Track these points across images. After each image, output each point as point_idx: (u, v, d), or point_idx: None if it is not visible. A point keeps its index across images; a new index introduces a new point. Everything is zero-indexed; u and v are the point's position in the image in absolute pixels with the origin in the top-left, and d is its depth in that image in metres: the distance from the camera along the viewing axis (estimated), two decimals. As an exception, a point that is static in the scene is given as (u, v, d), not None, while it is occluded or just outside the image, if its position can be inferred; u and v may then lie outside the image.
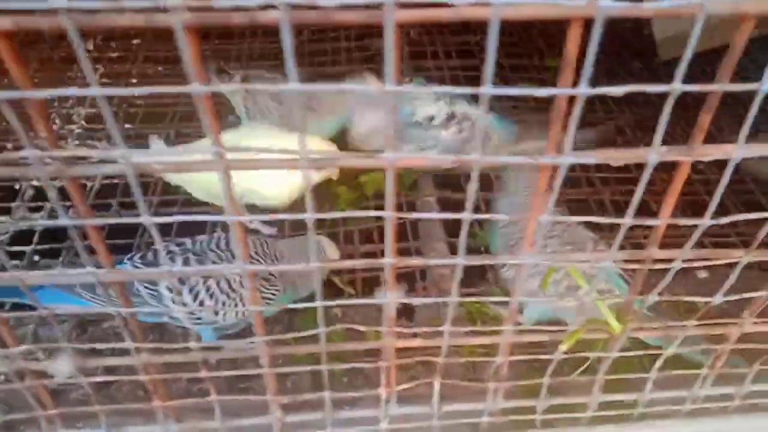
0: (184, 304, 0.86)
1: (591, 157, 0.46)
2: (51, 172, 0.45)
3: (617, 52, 1.75)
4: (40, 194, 1.19)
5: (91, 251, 0.50)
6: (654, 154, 0.44)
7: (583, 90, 0.39)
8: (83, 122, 1.43)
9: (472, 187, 0.43)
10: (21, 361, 0.61)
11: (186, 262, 0.86)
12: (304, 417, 0.75)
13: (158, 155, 1.00)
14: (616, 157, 0.47)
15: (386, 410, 0.70)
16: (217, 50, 1.67)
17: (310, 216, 0.45)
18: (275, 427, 0.71)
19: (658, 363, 0.69)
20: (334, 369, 0.89)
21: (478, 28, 1.73)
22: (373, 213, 0.47)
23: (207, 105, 0.40)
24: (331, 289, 1.08)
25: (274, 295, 0.92)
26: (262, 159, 0.45)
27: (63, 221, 0.46)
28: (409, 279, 1.13)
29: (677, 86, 0.39)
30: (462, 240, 0.47)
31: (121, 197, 1.20)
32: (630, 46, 1.78)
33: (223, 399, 0.69)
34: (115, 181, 1.22)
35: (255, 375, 0.64)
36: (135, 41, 1.67)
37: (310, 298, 0.99)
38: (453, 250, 1.17)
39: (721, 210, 0.44)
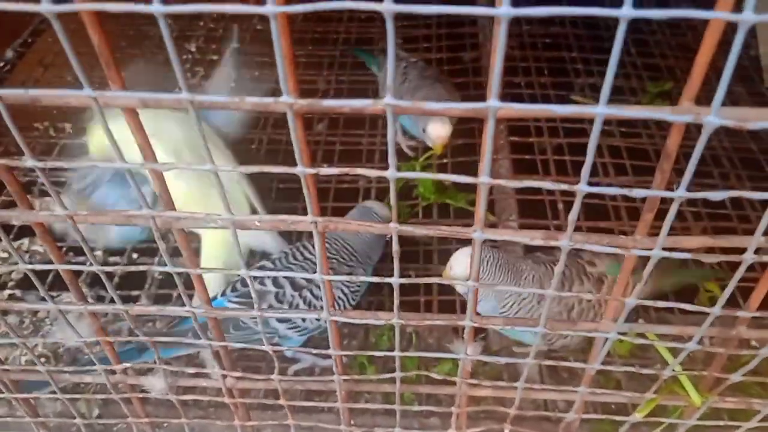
0: (289, 320, 0.91)
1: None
2: (161, 224, 0.48)
3: (713, 64, 1.67)
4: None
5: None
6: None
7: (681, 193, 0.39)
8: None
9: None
10: (120, 375, 0.67)
11: (275, 282, 0.91)
12: (374, 447, 0.78)
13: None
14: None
15: (454, 451, 0.72)
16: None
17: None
18: (346, 454, 0.74)
19: (739, 433, 0.68)
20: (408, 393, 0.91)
21: (572, 43, 1.70)
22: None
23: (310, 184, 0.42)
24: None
25: (359, 286, 0.95)
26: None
27: (170, 268, 0.50)
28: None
29: None
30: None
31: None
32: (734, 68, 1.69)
33: (299, 424, 0.72)
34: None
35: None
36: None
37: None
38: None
39: None
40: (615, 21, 0.36)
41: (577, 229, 0.44)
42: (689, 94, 0.38)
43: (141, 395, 0.69)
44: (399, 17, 1.85)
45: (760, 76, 1.67)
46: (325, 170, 0.41)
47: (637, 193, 0.40)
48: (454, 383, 0.64)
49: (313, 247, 0.97)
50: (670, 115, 0.36)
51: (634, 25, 1.70)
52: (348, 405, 0.68)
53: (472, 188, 1.41)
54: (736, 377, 0.57)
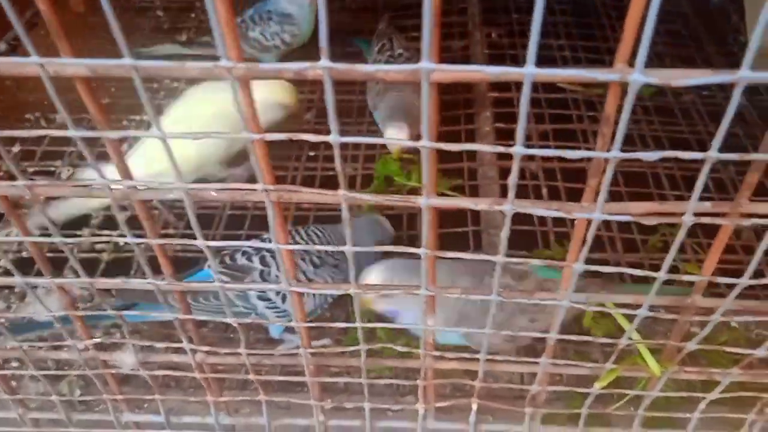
0: (269, 299, 0.91)
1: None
2: (119, 196, 0.49)
3: (703, 51, 1.67)
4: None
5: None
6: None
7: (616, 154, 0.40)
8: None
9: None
10: (92, 351, 0.68)
11: (263, 260, 0.90)
12: (345, 423, 0.80)
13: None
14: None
15: (423, 425, 0.73)
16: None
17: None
18: (318, 430, 0.75)
19: (703, 405, 0.68)
20: (377, 370, 0.92)
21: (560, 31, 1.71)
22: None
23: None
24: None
25: (343, 278, 0.95)
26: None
27: (130, 239, 0.51)
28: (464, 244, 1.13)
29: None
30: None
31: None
32: (721, 47, 1.70)
33: (272, 399, 0.73)
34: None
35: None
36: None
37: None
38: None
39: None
40: (606, 9, 0.37)
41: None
42: (622, 56, 0.39)
43: (114, 371, 0.70)
44: (390, 7, 1.86)
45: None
46: (271, 135, 0.42)
47: (572, 154, 0.41)
48: (418, 357, 0.65)
49: (315, 232, 0.97)
50: (599, 74, 0.37)
51: (622, 12, 1.68)
52: (317, 379, 0.69)
53: (455, 174, 1.42)
54: (691, 345, 0.58)
